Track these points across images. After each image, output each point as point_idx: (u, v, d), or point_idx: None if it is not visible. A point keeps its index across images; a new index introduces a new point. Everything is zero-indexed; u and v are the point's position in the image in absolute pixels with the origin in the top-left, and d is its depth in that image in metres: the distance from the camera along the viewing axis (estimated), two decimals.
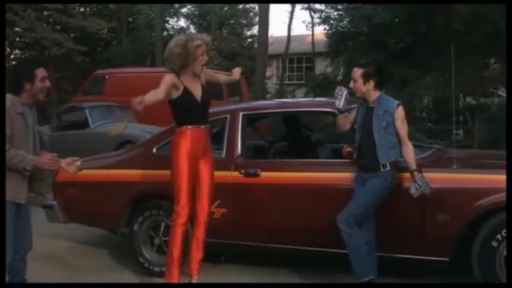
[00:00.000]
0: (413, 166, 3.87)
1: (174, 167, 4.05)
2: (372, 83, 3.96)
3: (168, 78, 3.95)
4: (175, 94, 3.99)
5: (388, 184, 3.93)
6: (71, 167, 3.58)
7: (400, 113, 3.94)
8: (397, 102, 3.98)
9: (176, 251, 4.04)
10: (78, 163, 3.61)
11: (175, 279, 4.06)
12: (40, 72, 3.59)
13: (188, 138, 4.02)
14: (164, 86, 3.89)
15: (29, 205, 3.80)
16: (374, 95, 3.99)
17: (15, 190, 3.56)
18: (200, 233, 4.13)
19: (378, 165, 3.90)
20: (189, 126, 4.03)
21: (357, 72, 4.00)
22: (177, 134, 4.07)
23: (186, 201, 4.00)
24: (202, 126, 4.09)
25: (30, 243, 3.83)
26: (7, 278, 3.79)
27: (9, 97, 3.54)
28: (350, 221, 3.87)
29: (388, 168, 3.90)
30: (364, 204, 3.93)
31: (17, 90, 3.58)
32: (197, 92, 4.06)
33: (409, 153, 3.93)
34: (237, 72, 4.47)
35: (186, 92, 4.00)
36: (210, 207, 4.16)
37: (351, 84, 4.04)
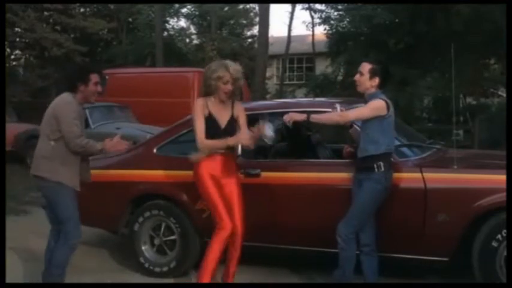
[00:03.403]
0: (316, 116, 3.93)
1: (203, 190, 4.10)
2: (377, 81, 3.97)
3: (196, 104, 4.10)
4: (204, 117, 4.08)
5: (382, 186, 3.89)
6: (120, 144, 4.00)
7: (373, 101, 3.90)
8: (380, 96, 3.94)
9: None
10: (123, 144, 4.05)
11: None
12: (94, 77, 3.99)
13: (209, 161, 4.07)
14: (199, 113, 4.04)
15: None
16: (372, 92, 4.00)
17: (75, 177, 3.97)
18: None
19: (370, 165, 3.87)
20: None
21: (366, 66, 4.00)
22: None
23: (226, 218, 4.03)
24: (222, 151, 4.09)
25: None
26: None
27: (70, 96, 3.93)
28: (349, 235, 3.89)
29: (383, 169, 3.86)
30: (362, 213, 3.92)
31: (73, 91, 3.96)
32: (222, 118, 4.10)
33: (330, 114, 4.01)
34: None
35: (211, 117, 4.06)
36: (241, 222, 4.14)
37: (356, 77, 4.04)
